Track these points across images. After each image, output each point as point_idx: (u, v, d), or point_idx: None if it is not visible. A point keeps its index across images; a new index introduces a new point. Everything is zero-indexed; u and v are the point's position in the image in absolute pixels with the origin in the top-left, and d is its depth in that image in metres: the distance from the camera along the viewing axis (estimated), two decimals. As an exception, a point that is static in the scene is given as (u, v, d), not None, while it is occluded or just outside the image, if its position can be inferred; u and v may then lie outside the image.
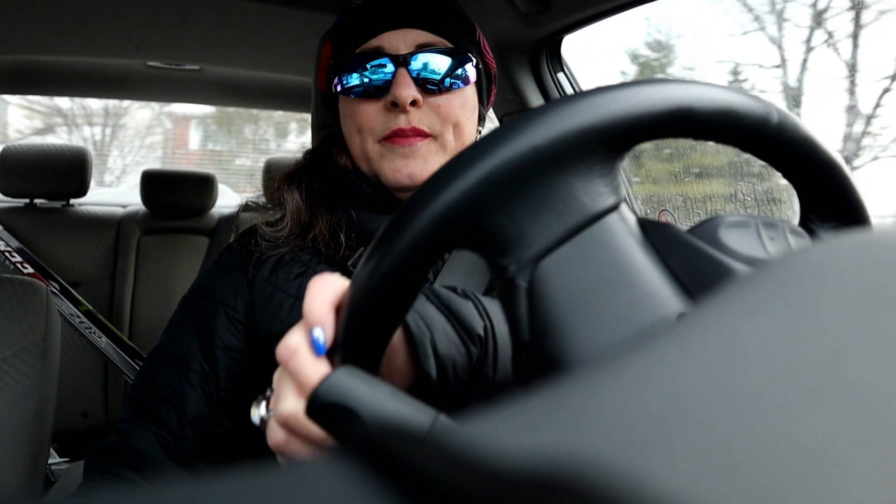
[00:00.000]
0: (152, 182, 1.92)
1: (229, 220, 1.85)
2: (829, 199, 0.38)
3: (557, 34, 1.22)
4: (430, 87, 0.70)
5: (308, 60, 0.93)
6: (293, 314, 0.70)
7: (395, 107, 0.68)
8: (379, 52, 0.70)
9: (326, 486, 0.14)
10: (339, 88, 0.73)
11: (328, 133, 0.80)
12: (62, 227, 1.84)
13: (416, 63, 0.69)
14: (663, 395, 0.15)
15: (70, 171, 1.80)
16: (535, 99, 1.31)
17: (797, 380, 0.14)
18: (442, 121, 0.71)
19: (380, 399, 0.33)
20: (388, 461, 0.14)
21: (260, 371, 0.71)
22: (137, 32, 1.34)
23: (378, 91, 0.69)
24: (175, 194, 1.94)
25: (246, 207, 0.81)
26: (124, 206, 2.00)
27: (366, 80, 0.70)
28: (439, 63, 0.70)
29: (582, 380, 0.17)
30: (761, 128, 0.34)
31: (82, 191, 1.84)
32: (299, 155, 0.81)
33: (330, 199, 0.74)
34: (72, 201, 1.90)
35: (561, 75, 1.33)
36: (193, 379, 0.71)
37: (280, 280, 0.73)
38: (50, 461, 1.57)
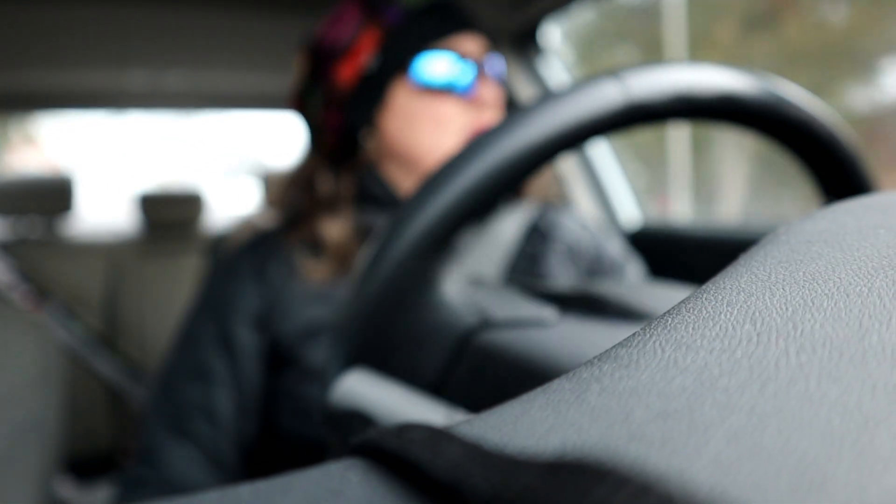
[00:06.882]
0: (146, 203, 1.93)
1: (223, 237, 1.86)
2: (838, 178, 0.37)
3: (541, 19, 1.22)
4: (497, 89, 0.78)
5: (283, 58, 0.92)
6: (310, 315, 0.71)
7: (472, 106, 0.75)
8: (455, 53, 0.74)
9: (346, 488, 0.14)
10: (412, 81, 0.73)
11: (345, 129, 0.76)
12: (57, 255, 1.84)
13: (491, 66, 0.76)
14: (685, 377, 0.14)
15: (56, 189, 1.82)
16: (521, 87, 1.31)
17: (821, 349, 0.14)
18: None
19: (393, 401, 0.33)
20: (406, 459, 0.14)
21: (276, 370, 0.71)
22: (118, 41, 1.33)
23: (461, 90, 0.74)
24: (168, 214, 1.94)
25: (249, 224, 0.80)
26: (118, 230, 2.01)
27: (450, 77, 0.74)
28: (501, 66, 0.79)
29: (600, 365, 0.16)
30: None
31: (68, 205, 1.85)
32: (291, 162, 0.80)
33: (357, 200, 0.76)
34: (65, 230, 1.90)
35: (544, 62, 1.32)
36: (220, 385, 0.70)
37: (296, 281, 0.73)
38: (61, 490, 1.57)
